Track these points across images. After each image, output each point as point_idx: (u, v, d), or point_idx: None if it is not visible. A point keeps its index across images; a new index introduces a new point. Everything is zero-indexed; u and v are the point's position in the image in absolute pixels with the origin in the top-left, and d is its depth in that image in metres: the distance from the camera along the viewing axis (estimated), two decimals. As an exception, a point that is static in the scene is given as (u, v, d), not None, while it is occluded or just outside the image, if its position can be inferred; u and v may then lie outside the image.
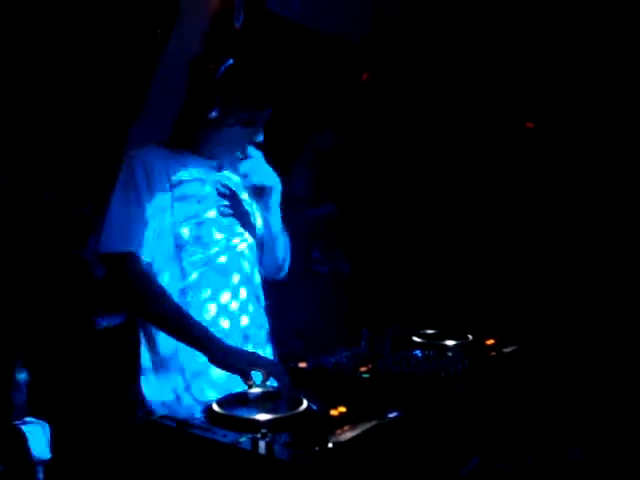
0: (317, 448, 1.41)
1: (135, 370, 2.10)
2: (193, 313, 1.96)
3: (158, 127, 2.63)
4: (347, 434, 1.49)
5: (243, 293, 2.12)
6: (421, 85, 3.78)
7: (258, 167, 2.11)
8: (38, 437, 2.55)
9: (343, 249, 3.46)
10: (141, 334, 2.06)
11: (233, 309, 2.09)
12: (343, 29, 3.31)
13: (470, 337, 2.36)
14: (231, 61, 2.06)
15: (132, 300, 1.96)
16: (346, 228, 3.50)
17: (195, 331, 1.91)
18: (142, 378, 2.04)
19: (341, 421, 1.58)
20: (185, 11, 2.55)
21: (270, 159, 2.16)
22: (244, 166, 2.10)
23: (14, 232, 2.74)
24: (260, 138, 2.10)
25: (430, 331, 2.43)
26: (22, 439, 2.52)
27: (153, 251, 1.99)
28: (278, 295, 2.42)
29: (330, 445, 1.42)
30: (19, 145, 2.64)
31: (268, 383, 1.83)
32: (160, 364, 2.03)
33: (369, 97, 3.64)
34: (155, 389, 2.02)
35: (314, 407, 1.65)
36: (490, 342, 2.33)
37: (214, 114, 2.05)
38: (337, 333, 3.11)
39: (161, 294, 1.93)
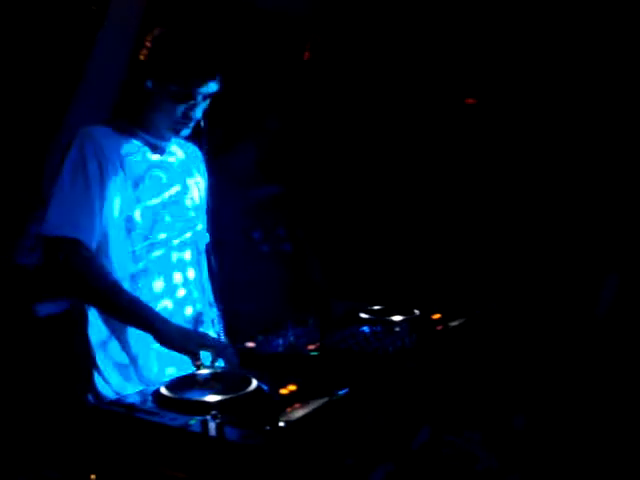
0: (268, 428, 1.41)
1: (79, 356, 2.07)
2: (143, 298, 1.93)
3: (97, 104, 2.58)
4: (298, 412, 1.49)
5: (192, 275, 2.10)
6: (364, 63, 3.77)
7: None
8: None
9: (285, 228, 3.45)
10: (88, 317, 2.01)
11: (183, 292, 2.07)
12: (285, 5, 3.27)
13: (417, 312, 2.38)
14: (165, 30, 2.01)
15: (75, 284, 1.91)
16: (290, 208, 3.48)
17: (142, 312, 1.88)
18: (92, 363, 2.01)
19: (291, 400, 1.58)
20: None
21: (211, 136, 2.12)
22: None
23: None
24: (195, 115, 2.03)
25: (376, 307, 2.44)
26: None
27: (100, 236, 1.94)
28: (222, 275, 2.40)
29: (281, 424, 1.42)
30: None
31: (216, 364, 1.82)
32: (105, 344, 2.00)
33: (312, 77, 3.62)
34: (103, 373, 1.99)
35: (264, 387, 1.65)
36: (436, 316, 2.36)
37: (148, 85, 2.00)
38: (282, 311, 3.11)
39: (105, 276, 1.89)
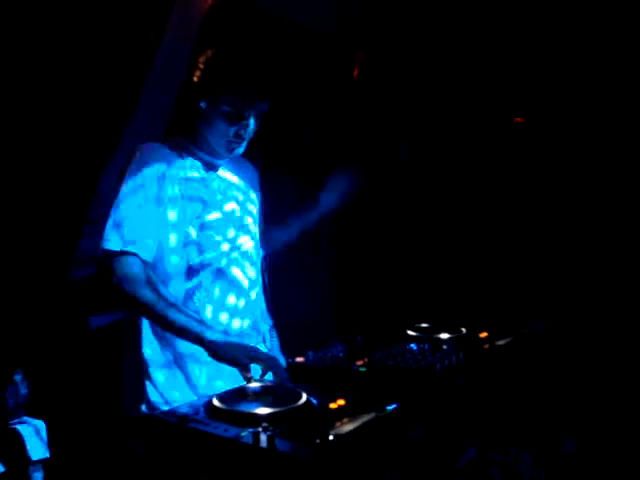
0: (318, 441, 1.43)
1: (132, 367, 2.12)
2: (197, 312, 1.98)
3: (152, 124, 2.66)
4: (347, 427, 1.51)
5: (247, 290, 2.15)
6: (411, 81, 3.79)
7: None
8: (35, 437, 2.56)
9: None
10: (141, 329, 2.07)
11: (238, 307, 2.11)
12: (331, 24, 3.31)
13: (464, 330, 2.38)
14: (214, 51, 2.07)
15: (130, 297, 1.97)
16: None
17: (194, 325, 1.92)
18: (144, 374, 2.06)
19: (340, 414, 1.60)
20: (176, 11, 2.56)
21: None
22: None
23: (9, 235, 2.75)
24: (247, 134, 2.08)
25: (424, 325, 2.46)
26: (19, 440, 2.53)
27: (156, 251, 2.00)
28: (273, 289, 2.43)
29: (331, 437, 1.44)
30: (16, 146, 2.65)
31: (266, 377, 1.85)
32: (157, 356, 2.05)
33: (361, 95, 3.65)
34: (155, 384, 2.04)
35: (313, 401, 1.67)
36: (483, 335, 2.36)
37: (202, 105, 2.06)
38: (330, 325, 3.14)
39: (159, 290, 1.94)
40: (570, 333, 2.64)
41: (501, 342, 2.26)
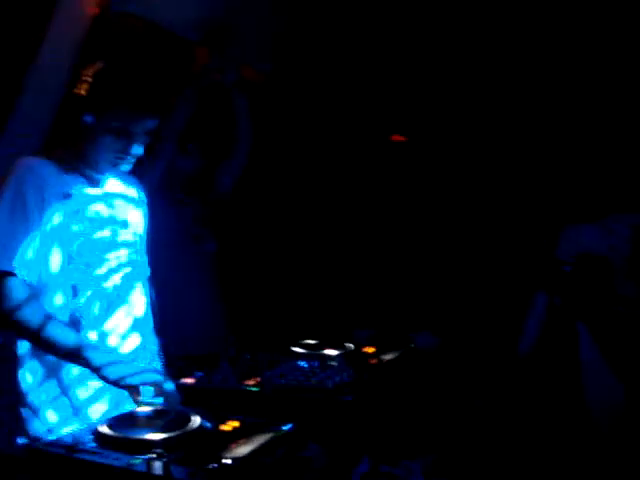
0: (214, 465, 1.41)
1: (11, 392, 2.00)
2: (83, 333, 1.90)
3: (29, 135, 2.53)
4: (243, 449, 1.50)
5: (134, 309, 2.08)
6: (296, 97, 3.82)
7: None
8: None
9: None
10: (20, 356, 1.96)
11: (125, 327, 2.04)
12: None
13: (351, 346, 2.42)
14: (104, 65, 2.00)
15: (9, 317, 1.87)
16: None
17: (80, 346, 1.84)
18: (21, 402, 1.95)
19: (235, 436, 1.58)
20: (56, 19, 2.45)
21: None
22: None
23: None
24: (135, 151, 2.03)
25: (309, 341, 2.48)
26: None
27: (37, 270, 1.90)
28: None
29: (227, 461, 1.42)
30: None
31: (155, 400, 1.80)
32: (40, 382, 1.95)
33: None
34: (37, 412, 1.94)
35: (206, 424, 1.64)
36: (370, 350, 2.41)
37: (88, 119, 1.98)
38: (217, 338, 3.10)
39: (41, 310, 1.86)
40: (452, 346, 2.75)
41: (388, 357, 2.31)
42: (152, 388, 1.79)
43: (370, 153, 4.07)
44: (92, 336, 1.96)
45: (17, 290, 1.84)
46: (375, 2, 3.56)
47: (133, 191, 2.23)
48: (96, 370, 1.81)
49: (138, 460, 1.43)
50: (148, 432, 1.56)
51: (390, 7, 3.53)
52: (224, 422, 1.66)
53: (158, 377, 1.87)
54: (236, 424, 1.65)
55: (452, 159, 3.82)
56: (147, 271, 2.21)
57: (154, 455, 1.43)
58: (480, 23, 3.55)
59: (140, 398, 1.77)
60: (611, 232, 2.37)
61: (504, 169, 3.65)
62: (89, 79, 1.97)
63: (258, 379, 2.01)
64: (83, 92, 1.98)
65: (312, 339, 2.48)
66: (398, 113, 3.96)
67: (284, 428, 1.62)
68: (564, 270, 2.38)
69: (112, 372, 1.80)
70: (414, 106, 3.88)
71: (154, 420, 1.67)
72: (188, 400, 1.87)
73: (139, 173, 2.24)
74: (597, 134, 3.32)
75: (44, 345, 1.88)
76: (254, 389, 1.93)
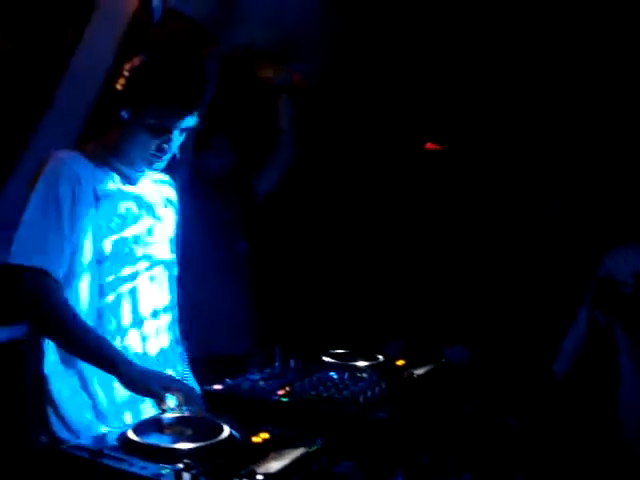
0: (247, 480, 1.35)
1: (32, 391, 1.96)
2: (109, 332, 1.86)
3: (65, 127, 2.50)
4: (274, 464, 1.44)
5: (160, 310, 2.03)
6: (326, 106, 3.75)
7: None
8: None
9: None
10: (44, 350, 1.92)
11: (152, 328, 2.00)
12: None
13: (380, 357, 2.36)
14: (143, 61, 1.96)
15: (37, 316, 1.83)
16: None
17: (105, 352, 1.80)
18: (46, 398, 1.90)
19: (265, 449, 1.52)
20: (100, 10, 2.42)
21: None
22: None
23: None
24: (170, 149, 1.98)
25: (339, 351, 2.42)
26: None
27: (67, 267, 1.86)
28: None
29: (259, 477, 1.36)
30: None
31: (183, 407, 1.75)
32: (62, 379, 1.90)
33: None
34: (59, 410, 1.89)
35: (236, 434, 1.58)
36: (400, 363, 2.34)
37: (124, 115, 1.94)
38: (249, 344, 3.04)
39: (69, 311, 1.81)
40: (485, 360, 2.68)
41: (420, 371, 2.25)
42: (177, 395, 1.74)
43: (406, 161, 4.01)
44: (118, 337, 1.91)
45: (49, 288, 1.80)
46: (412, 15, 3.49)
47: (165, 189, 2.19)
48: (121, 378, 1.76)
49: (166, 470, 1.37)
50: (176, 440, 1.51)
51: (428, 20, 3.46)
52: (254, 433, 1.60)
53: (182, 384, 1.82)
54: (266, 436, 1.59)
55: (490, 169, 3.75)
56: (176, 270, 2.16)
57: (182, 466, 1.37)
58: (518, 42, 3.48)
59: (165, 406, 1.72)
60: None
61: (541, 183, 3.57)
62: (127, 74, 1.93)
63: (288, 389, 1.95)
64: (120, 87, 1.93)
65: (343, 348, 2.43)
66: (434, 122, 3.89)
67: (316, 443, 1.56)
68: (625, 292, 2.30)
69: (137, 380, 1.75)
70: (450, 115, 3.81)
71: (182, 428, 1.61)
72: (215, 407, 1.83)
73: (170, 170, 2.19)
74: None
75: (69, 347, 1.84)
76: (284, 399, 1.87)
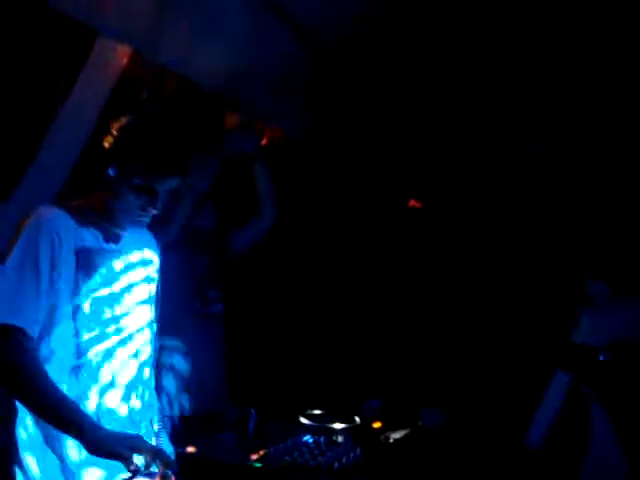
0: None
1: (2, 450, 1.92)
2: (83, 392, 1.83)
3: (46, 185, 2.50)
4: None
5: (136, 371, 2.01)
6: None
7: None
8: None
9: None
10: (18, 412, 1.88)
11: (127, 391, 1.97)
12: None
13: (357, 419, 2.35)
14: (131, 121, 1.97)
15: (7, 375, 1.80)
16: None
17: (72, 417, 1.75)
18: (15, 459, 1.86)
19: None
20: (91, 65, 2.44)
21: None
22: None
23: None
24: (153, 208, 1.98)
25: (316, 411, 2.41)
26: None
27: (43, 325, 1.84)
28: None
29: None
30: None
31: (152, 468, 1.71)
32: (35, 444, 1.86)
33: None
34: (28, 471, 1.85)
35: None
36: (377, 425, 2.33)
37: (111, 173, 1.94)
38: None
39: (40, 374, 1.77)
40: (460, 426, 2.65)
41: (397, 435, 2.24)
42: (145, 455, 1.70)
43: (387, 218, 4.03)
44: (94, 395, 1.88)
45: (22, 348, 1.77)
46: (393, 67, 3.52)
47: (148, 248, 2.18)
48: (87, 443, 1.71)
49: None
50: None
51: (408, 74, 3.50)
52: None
53: (150, 445, 1.78)
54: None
55: (468, 227, 3.78)
56: (155, 327, 2.15)
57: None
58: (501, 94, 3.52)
59: (134, 467, 1.69)
60: None
61: (518, 242, 3.60)
62: (115, 132, 1.94)
63: (262, 453, 1.93)
64: (107, 145, 1.94)
65: (321, 406, 2.42)
66: (415, 179, 3.93)
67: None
68: (599, 359, 2.28)
69: (103, 444, 1.69)
70: (431, 173, 3.86)
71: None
72: (187, 468, 1.80)
73: (154, 229, 2.19)
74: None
75: (37, 411, 1.80)
76: (257, 465, 1.85)
